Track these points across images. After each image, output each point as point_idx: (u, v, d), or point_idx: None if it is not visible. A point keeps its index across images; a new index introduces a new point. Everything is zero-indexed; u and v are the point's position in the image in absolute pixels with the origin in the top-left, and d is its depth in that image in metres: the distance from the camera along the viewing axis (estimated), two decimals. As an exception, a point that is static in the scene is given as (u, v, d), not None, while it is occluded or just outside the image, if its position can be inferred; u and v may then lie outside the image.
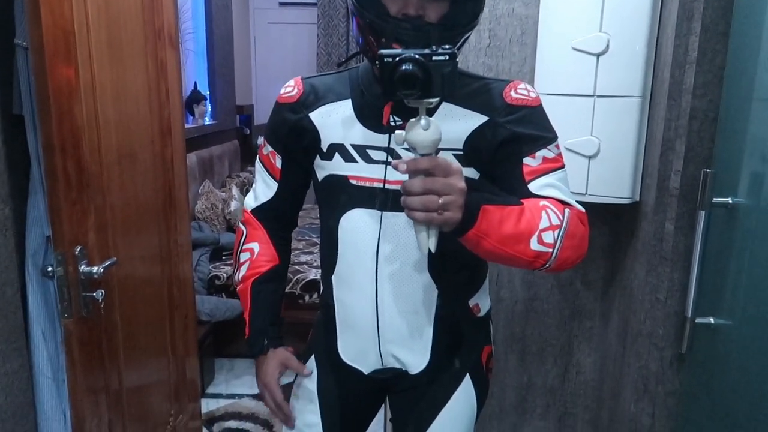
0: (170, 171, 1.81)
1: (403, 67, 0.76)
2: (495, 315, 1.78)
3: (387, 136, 0.97)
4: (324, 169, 1.02)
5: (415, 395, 1.07)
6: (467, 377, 1.06)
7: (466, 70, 1.02)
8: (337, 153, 1.00)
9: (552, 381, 1.83)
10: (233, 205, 3.46)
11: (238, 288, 1.17)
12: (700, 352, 1.25)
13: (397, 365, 1.05)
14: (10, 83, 1.27)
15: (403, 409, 1.10)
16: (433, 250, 0.82)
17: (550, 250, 0.86)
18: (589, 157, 1.48)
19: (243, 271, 1.14)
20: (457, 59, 0.78)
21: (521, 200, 0.89)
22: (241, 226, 1.18)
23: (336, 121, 1.00)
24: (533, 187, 0.93)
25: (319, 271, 3.05)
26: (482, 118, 0.95)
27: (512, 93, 0.95)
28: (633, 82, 1.43)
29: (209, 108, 3.91)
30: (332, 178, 1.01)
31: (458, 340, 1.06)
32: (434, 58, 0.76)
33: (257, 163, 1.14)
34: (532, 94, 0.96)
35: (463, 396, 1.06)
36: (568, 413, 1.85)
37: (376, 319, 1.02)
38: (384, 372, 1.06)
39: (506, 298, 1.78)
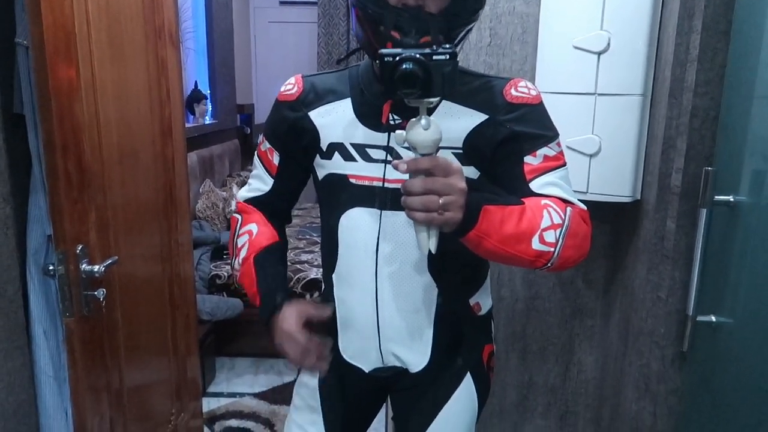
0: (171, 170, 1.81)
1: (404, 67, 0.75)
2: (496, 314, 1.78)
3: (386, 134, 0.97)
4: (324, 168, 1.02)
5: (416, 394, 1.07)
6: (468, 376, 1.06)
7: (467, 68, 1.02)
8: (336, 152, 1.00)
9: (553, 380, 1.83)
10: (234, 204, 3.46)
11: (240, 272, 1.09)
12: (702, 350, 1.25)
13: (398, 364, 1.05)
14: (10, 82, 1.27)
15: (404, 407, 1.10)
16: (433, 251, 0.82)
17: (552, 249, 0.86)
18: (590, 156, 1.48)
19: (243, 253, 1.09)
20: (458, 58, 0.77)
21: (522, 199, 0.89)
22: (236, 215, 1.15)
23: (336, 120, 1.00)
24: (534, 185, 0.93)
25: (320, 270, 3.07)
26: (482, 117, 0.95)
27: (512, 91, 0.95)
28: (634, 80, 1.43)
29: (210, 107, 3.91)
30: (332, 177, 1.01)
31: (459, 338, 1.06)
32: (435, 57, 0.76)
33: (255, 157, 1.14)
34: (533, 92, 0.96)
35: (464, 395, 1.05)
36: (570, 412, 1.85)
37: (376, 318, 1.02)
38: (385, 370, 1.06)
39: (507, 296, 1.78)
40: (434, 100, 0.78)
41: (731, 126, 1.17)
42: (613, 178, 1.48)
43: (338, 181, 1.00)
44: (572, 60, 1.47)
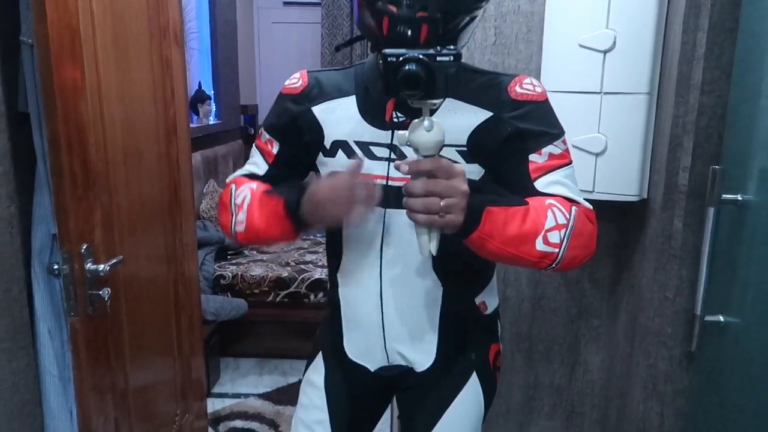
0: (176, 170, 1.81)
1: (407, 68, 0.75)
2: (501, 314, 1.77)
3: (390, 132, 0.96)
4: (327, 166, 1.02)
5: (421, 393, 1.06)
6: (474, 375, 1.06)
7: (471, 65, 1.01)
8: (340, 150, 0.99)
9: (559, 380, 1.82)
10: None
11: (247, 215, 0.99)
12: (710, 350, 1.24)
13: (403, 363, 1.05)
14: (15, 80, 1.27)
15: (410, 406, 1.09)
16: (434, 253, 0.81)
17: (556, 250, 0.85)
18: (596, 155, 1.48)
19: (247, 201, 1.00)
20: (462, 59, 0.77)
21: (527, 199, 0.88)
22: (229, 186, 1.06)
23: (340, 117, 0.99)
24: (539, 184, 0.92)
25: (324, 270, 3.06)
26: (487, 114, 0.94)
27: (517, 88, 0.95)
28: (640, 78, 1.43)
29: (213, 107, 3.91)
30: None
31: (464, 337, 1.06)
32: (438, 58, 0.75)
33: (253, 148, 1.11)
34: (538, 89, 0.95)
35: (470, 394, 1.05)
36: (576, 412, 1.84)
37: (381, 317, 1.01)
38: (390, 369, 1.06)
39: (512, 296, 1.77)
40: (437, 101, 0.77)
41: (738, 124, 1.16)
42: (620, 177, 1.47)
43: None
44: (578, 59, 1.46)
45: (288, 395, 2.55)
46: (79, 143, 1.22)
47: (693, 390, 1.35)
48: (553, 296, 1.76)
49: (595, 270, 1.74)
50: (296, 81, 1.04)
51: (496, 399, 1.81)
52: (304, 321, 2.79)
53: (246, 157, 4.72)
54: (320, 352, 1.13)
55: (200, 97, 3.69)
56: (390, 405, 1.21)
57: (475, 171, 0.95)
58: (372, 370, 1.06)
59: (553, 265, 0.87)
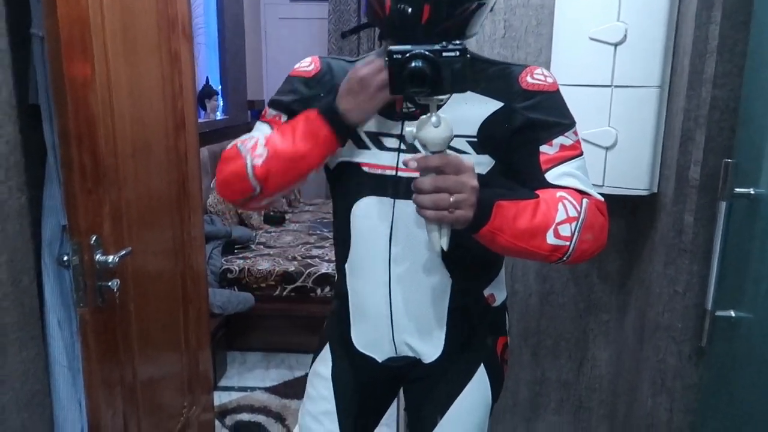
0: (184, 164, 1.81)
1: (413, 64, 0.75)
2: (509, 308, 1.76)
3: (400, 123, 0.96)
4: (336, 155, 1.01)
5: (429, 384, 1.06)
6: (481, 367, 1.05)
7: (481, 55, 1.01)
8: (349, 139, 0.99)
9: (566, 375, 1.82)
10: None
11: (266, 155, 0.92)
12: (720, 345, 1.23)
13: (411, 354, 1.05)
14: (26, 73, 1.28)
15: (417, 398, 1.09)
16: (445, 249, 0.81)
17: (567, 243, 0.85)
18: (607, 149, 1.47)
19: (262, 141, 0.95)
20: (468, 54, 0.76)
21: (537, 192, 0.87)
22: (233, 144, 1.00)
23: None
24: (550, 176, 0.92)
25: (331, 264, 3.06)
26: (497, 104, 0.94)
27: (528, 78, 0.94)
28: (651, 71, 1.41)
29: (221, 103, 3.92)
30: (344, 165, 1.00)
31: (472, 329, 1.05)
32: (444, 54, 0.75)
33: (256, 123, 1.05)
34: (549, 80, 0.95)
35: (478, 386, 1.05)
36: (583, 408, 1.83)
37: (390, 308, 1.01)
38: (398, 360, 1.05)
39: (520, 291, 1.77)
40: (444, 97, 0.77)
41: (751, 118, 1.15)
42: (630, 171, 1.46)
43: (351, 169, 0.99)
44: (588, 51, 1.45)
45: (294, 389, 2.56)
46: (88, 136, 1.22)
47: (702, 386, 1.34)
48: (562, 291, 1.76)
49: (604, 264, 1.73)
50: (308, 65, 1.03)
51: (503, 394, 1.81)
52: (311, 315, 2.79)
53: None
54: (327, 344, 1.13)
55: (208, 92, 3.70)
56: (397, 397, 1.20)
57: (485, 162, 0.94)
58: (380, 361, 1.06)
59: (564, 258, 0.86)
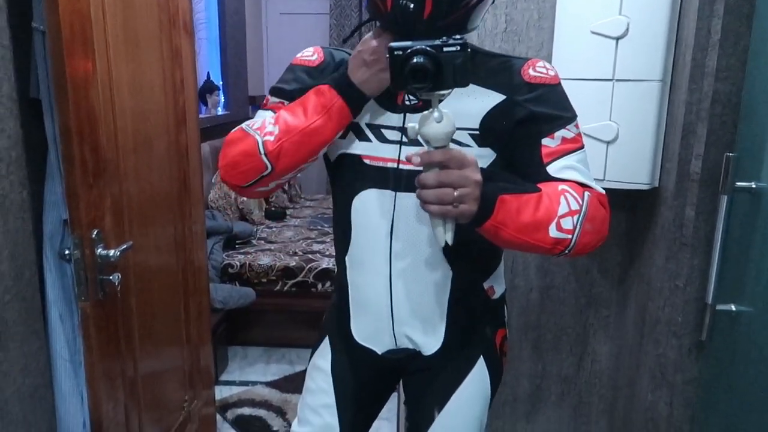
0: (185, 159, 1.81)
1: (414, 60, 0.75)
2: (510, 303, 1.77)
3: (402, 115, 0.96)
4: (337, 147, 1.01)
5: (428, 377, 1.06)
6: (481, 359, 1.06)
7: (483, 48, 1.01)
8: (351, 131, 0.99)
9: (567, 370, 1.82)
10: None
11: (279, 131, 0.92)
12: (721, 339, 1.23)
13: (411, 346, 1.05)
14: (27, 67, 1.28)
15: (416, 390, 1.10)
16: (450, 243, 0.81)
17: (570, 236, 0.85)
18: (608, 143, 1.46)
19: (271, 120, 0.94)
20: (469, 49, 0.76)
21: (539, 186, 0.88)
22: (238, 128, 0.99)
23: None
24: (552, 169, 0.92)
25: (332, 260, 3.07)
26: (500, 97, 0.94)
27: (530, 71, 0.94)
28: (653, 65, 1.41)
29: (222, 98, 3.92)
30: (346, 158, 1.00)
31: (472, 322, 1.06)
32: (445, 49, 0.75)
33: (258, 112, 1.04)
34: (551, 72, 0.95)
35: (477, 378, 1.05)
36: (583, 402, 1.84)
37: (390, 300, 1.01)
38: (398, 352, 1.06)
39: (521, 285, 1.77)
40: (446, 92, 0.77)
41: (753, 111, 1.15)
42: (631, 165, 1.46)
43: (352, 161, 0.99)
44: (590, 45, 1.44)
45: (295, 383, 2.56)
46: (89, 131, 1.22)
47: (703, 379, 1.34)
48: (562, 286, 1.76)
49: (605, 259, 1.73)
50: (311, 54, 1.03)
51: (503, 388, 1.82)
52: (312, 310, 2.80)
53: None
54: (327, 337, 1.13)
55: (209, 87, 3.70)
56: (397, 393, 1.21)
57: (486, 155, 0.95)
58: (379, 353, 1.07)
59: (566, 251, 0.87)
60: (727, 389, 1.21)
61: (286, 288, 2.85)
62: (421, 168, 0.79)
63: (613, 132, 1.45)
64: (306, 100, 0.93)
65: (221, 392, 2.51)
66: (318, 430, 1.10)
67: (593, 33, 1.44)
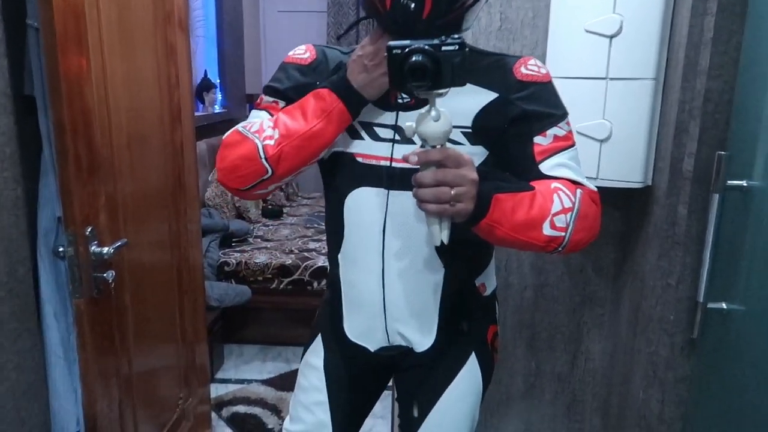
0: (180, 155, 1.81)
1: (413, 59, 0.75)
2: (504, 301, 1.77)
3: (394, 113, 0.96)
4: (331, 146, 1.01)
5: (420, 373, 1.07)
6: (473, 356, 1.06)
7: (475, 47, 1.01)
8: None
9: (561, 368, 1.83)
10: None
11: (279, 135, 0.92)
12: (712, 337, 1.24)
13: (404, 343, 1.05)
14: (21, 64, 1.28)
15: (408, 387, 1.10)
16: (446, 242, 0.82)
17: (563, 234, 0.86)
18: (601, 141, 1.47)
19: (269, 124, 0.94)
20: (467, 48, 0.76)
21: (533, 184, 0.88)
22: (233, 130, 0.98)
23: None
24: (544, 167, 0.92)
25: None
26: (492, 95, 0.94)
27: (522, 69, 0.94)
28: (646, 64, 1.41)
29: (219, 96, 3.91)
30: (338, 156, 1.00)
31: (464, 318, 1.06)
32: (443, 48, 0.75)
33: (252, 111, 1.04)
34: (543, 70, 0.95)
35: (469, 374, 1.06)
36: (577, 400, 1.84)
37: (383, 298, 1.02)
38: (390, 350, 1.06)
39: (515, 284, 1.77)
40: (444, 91, 0.77)
41: (746, 110, 1.15)
42: (624, 164, 1.46)
43: (345, 160, 0.99)
44: (584, 44, 1.44)
45: (290, 381, 2.56)
46: (83, 128, 1.23)
47: (694, 377, 1.35)
48: (556, 284, 1.76)
49: (599, 257, 1.73)
50: (303, 52, 1.03)
51: (497, 386, 1.82)
52: (308, 308, 2.79)
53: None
54: (319, 335, 1.14)
55: (206, 85, 3.70)
56: (392, 389, 1.21)
57: (479, 153, 0.95)
58: (372, 350, 1.07)
59: (560, 249, 0.88)
60: (718, 387, 1.22)
61: (282, 286, 2.85)
62: (414, 166, 0.79)
63: (607, 130, 1.45)
64: (305, 104, 0.94)
65: (217, 390, 2.51)
66: (311, 428, 1.10)
67: (587, 31, 1.44)
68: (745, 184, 1.11)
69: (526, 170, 0.93)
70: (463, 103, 0.93)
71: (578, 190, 0.89)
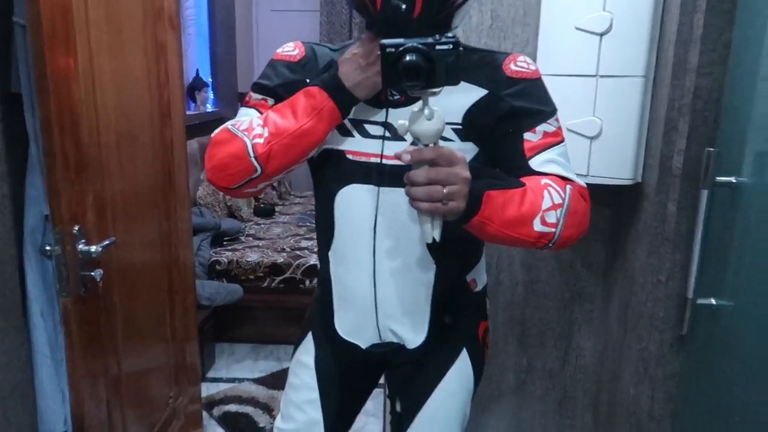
0: (170, 153, 1.80)
1: (407, 58, 0.75)
2: (495, 298, 1.77)
3: (385, 110, 0.96)
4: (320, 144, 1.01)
5: (412, 370, 1.07)
6: (464, 352, 1.06)
7: (465, 44, 1.01)
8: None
9: (551, 364, 1.83)
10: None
11: (268, 133, 0.91)
12: (701, 333, 1.24)
13: (395, 340, 1.05)
14: (8, 61, 1.26)
15: (400, 383, 1.10)
16: (438, 240, 0.82)
17: (553, 230, 0.86)
18: (591, 138, 1.47)
19: (258, 122, 0.93)
20: (461, 47, 0.76)
21: (523, 180, 0.88)
22: (222, 128, 0.97)
23: None
24: (534, 163, 0.93)
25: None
26: (482, 92, 0.94)
27: (512, 65, 0.94)
28: (636, 61, 1.41)
29: (211, 95, 3.90)
30: (328, 153, 1.00)
31: (455, 314, 1.06)
32: (438, 47, 0.75)
33: (241, 109, 1.03)
34: (532, 67, 0.96)
35: (460, 370, 1.06)
36: (568, 397, 1.85)
37: (374, 294, 1.02)
38: (382, 346, 1.06)
39: (506, 280, 1.77)
40: (437, 90, 0.77)
41: (735, 107, 1.16)
42: (614, 161, 1.47)
43: (335, 157, 0.99)
44: (574, 41, 1.45)
45: (282, 380, 2.53)
46: (71, 126, 1.21)
47: (684, 373, 1.35)
48: (547, 280, 1.77)
49: (589, 254, 1.74)
50: (292, 49, 1.03)
51: (488, 382, 1.82)
52: (300, 307, 2.77)
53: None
54: (310, 333, 1.13)
55: (198, 84, 3.68)
56: (384, 386, 1.21)
57: (469, 149, 0.95)
58: (363, 347, 1.07)
59: (550, 245, 0.88)
60: (707, 383, 1.22)
61: (273, 284, 2.84)
62: (405, 163, 0.79)
63: (597, 127, 1.46)
64: (295, 102, 0.93)
65: (208, 389, 2.50)
66: (302, 426, 1.10)
67: (578, 29, 1.44)
68: (734, 181, 1.12)
69: (515, 166, 0.93)
70: (454, 99, 0.93)
71: (568, 186, 0.89)
